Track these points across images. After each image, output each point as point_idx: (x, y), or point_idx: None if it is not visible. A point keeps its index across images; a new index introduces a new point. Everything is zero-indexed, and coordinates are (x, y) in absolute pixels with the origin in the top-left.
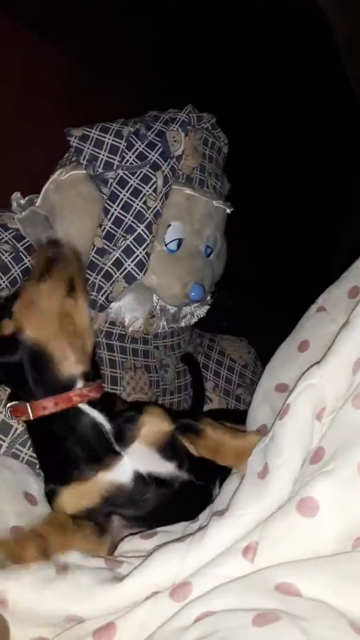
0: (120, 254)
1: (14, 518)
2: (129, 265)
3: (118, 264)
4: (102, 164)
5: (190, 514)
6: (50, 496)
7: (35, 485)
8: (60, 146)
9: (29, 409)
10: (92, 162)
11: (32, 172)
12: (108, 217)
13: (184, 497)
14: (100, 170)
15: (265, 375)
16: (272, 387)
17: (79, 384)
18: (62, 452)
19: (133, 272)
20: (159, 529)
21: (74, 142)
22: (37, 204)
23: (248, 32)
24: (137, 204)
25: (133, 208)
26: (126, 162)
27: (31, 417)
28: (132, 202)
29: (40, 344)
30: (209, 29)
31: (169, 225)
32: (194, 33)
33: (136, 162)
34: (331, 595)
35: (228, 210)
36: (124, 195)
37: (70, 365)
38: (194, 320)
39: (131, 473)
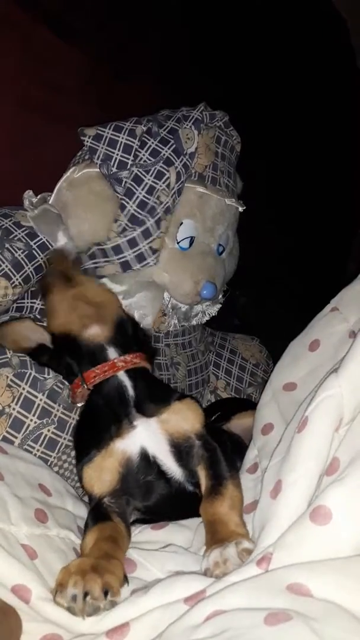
0: (123, 242)
1: (35, 502)
2: (128, 255)
3: (117, 250)
4: (116, 163)
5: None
6: (80, 475)
7: (49, 478)
8: (75, 143)
9: (83, 380)
10: (106, 161)
11: (46, 169)
12: (124, 213)
13: (181, 502)
14: (114, 169)
15: (275, 373)
16: (280, 385)
17: (111, 351)
18: (94, 424)
19: (130, 262)
20: (170, 522)
21: (87, 141)
22: (50, 202)
23: (263, 31)
24: (152, 201)
25: (148, 205)
26: (140, 160)
27: (86, 387)
28: (147, 200)
29: (64, 331)
30: (223, 27)
31: (181, 223)
32: (208, 31)
33: (150, 160)
34: (343, 597)
35: (240, 209)
36: (140, 193)
37: (93, 333)
38: (206, 318)
39: (139, 447)
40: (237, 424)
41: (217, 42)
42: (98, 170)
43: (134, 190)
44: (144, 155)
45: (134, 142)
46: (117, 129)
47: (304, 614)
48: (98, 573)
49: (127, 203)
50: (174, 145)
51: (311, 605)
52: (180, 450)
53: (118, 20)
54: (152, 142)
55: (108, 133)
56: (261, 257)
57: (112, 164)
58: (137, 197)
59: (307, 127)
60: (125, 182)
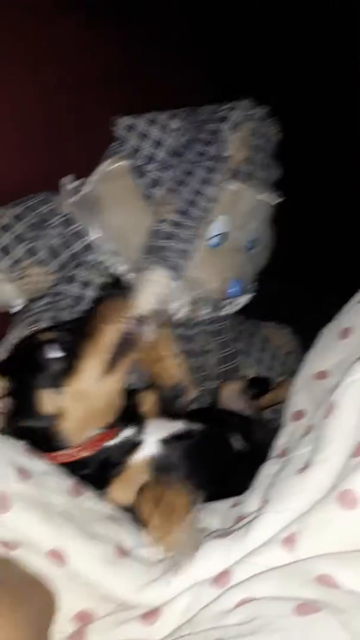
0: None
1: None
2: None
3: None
4: (143, 156)
5: (218, 467)
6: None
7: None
8: (106, 131)
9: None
10: (134, 153)
11: (79, 155)
12: (179, 199)
13: (204, 448)
14: (141, 162)
15: (306, 361)
16: (311, 373)
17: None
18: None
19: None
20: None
21: (119, 131)
22: (85, 192)
23: (294, 20)
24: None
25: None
26: (187, 160)
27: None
28: (202, 189)
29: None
30: (256, 15)
31: (212, 220)
32: (242, 17)
33: (197, 158)
34: None
35: (276, 201)
36: (191, 181)
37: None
38: (236, 308)
39: (155, 444)
40: (225, 398)
41: (252, 27)
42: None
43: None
44: (190, 154)
45: (165, 138)
46: (151, 121)
47: (332, 605)
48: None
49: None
50: (217, 147)
51: (339, 596)
52: (168, 412)
53: (144, 7)
54: (199, 148)
55: (141, 125)
56: (293, 246)
57: (140, 156)
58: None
59: (345, 115)
60: (150, 176)
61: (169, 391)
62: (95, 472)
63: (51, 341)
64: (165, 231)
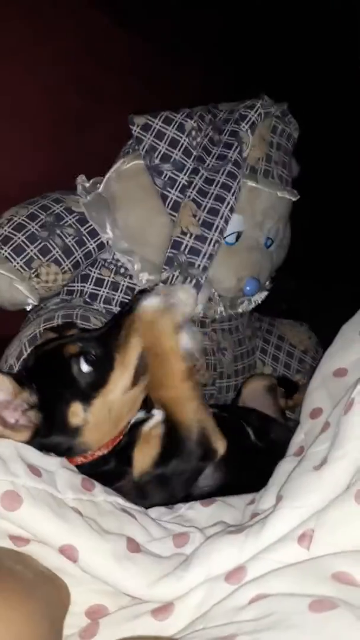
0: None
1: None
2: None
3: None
4: (159, 156)
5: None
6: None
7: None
8: (126, 125)
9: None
10: (150, 152)
11: (98, 150)
12: (202, 209)
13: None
14: (156, 161)
15: (325, 358)
16: (330, 371)
17: None
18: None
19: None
20: (217, 498)
21: (135, 130)
22: (99, 190)
23: (317, 17)
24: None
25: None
26: (208, 165)
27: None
28: (225, 195)
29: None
30: (277, 13)
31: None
32: (263, 15)
33: (218, 163)
34: None
35: (294, 199)
36: (214, 189)
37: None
38: (252, 306)
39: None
40: (247, 393)
41: (272, 25)
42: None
43: (207, 189)
44: (210, 160)
45: (181, 137)
46: (167, 121)
47: (349, 602)
48: None
49: (202, 200)
50: (238, 148)
51: (356, 594)
52: None
53: (174, 6)
54: (217, 150)
55: (157, 124)
56: (310, 243)
57: (155, 155)
58: (212, 192)
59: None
60: (167, 174)
61: None
62: (115, 464)
63: (79, 354)
64: (190, 246)
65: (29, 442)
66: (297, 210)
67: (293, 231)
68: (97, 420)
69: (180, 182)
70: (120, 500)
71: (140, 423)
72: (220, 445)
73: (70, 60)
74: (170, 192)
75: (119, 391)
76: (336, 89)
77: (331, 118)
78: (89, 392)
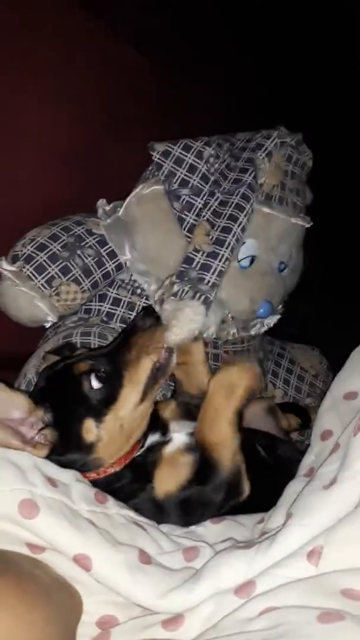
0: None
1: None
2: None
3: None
4: (178, 181)
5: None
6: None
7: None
8: (148, 154)
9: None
10: (169, 177)
11: (120, 175)
12: (215, 228)
13: None
14: (175, 186)
15: (336, 382)
16: (341, 394)
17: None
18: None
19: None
20: (227, 516)
21: (155, 157)
22: (119, 214)
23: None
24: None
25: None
26: (224, 189)
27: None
28: (237, 215)
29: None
30: (298, 47)
31: (244, 243)
32: (283, 49)
33: (233, 187)
34: None
35: (307, 225)
36: (228, 209)
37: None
38: (264, 329)
39: (184, 435)
40: (248, 417)
41: (292, 53)
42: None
43: (221, 211)
44: (226, 184)
45: (199, 164)
46: (186, 148)
47: (356, 616)
48: None
49: (216, 221)
50: (253, 173)
51: None
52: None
53: (193, 32)
54: (233, 175)
55: (176, 151)
56: (321, 268)
57: (174, 180)
58: (226, 213)
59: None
60: (185, 199)
61: (192, 398)
62: (130, 480)
63: (90, 371)
64: (201, 262)
65: (47, 459)
66: (310, 236)
67: (305, 257)
68: (110, 435)
69: (197, 207)
70: (132, 514)
71: (158, 445)
72: (246, 488)
73: (91, 87)
74: (187, 216)
75: (130, 407)
76: (347, 116)
77: (343, 147)
78: (100, 409)
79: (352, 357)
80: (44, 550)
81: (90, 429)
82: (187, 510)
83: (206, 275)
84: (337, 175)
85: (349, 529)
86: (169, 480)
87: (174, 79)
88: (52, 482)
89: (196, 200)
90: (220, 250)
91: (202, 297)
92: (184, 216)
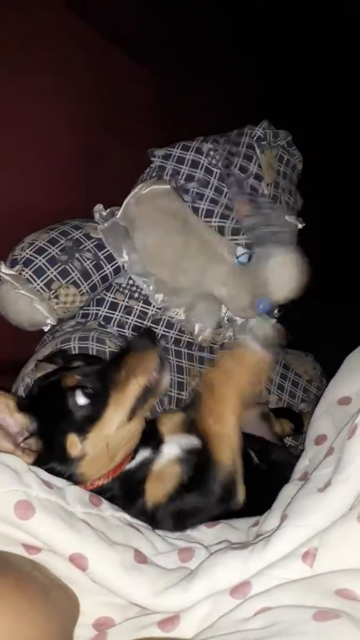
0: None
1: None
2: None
3: None
4: (184, 177)
5: None
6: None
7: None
8: (143, 158)
9: None
10: (174, 175)
11: (114, 183)
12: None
13: None
14: (182, 182)
15: (330, 387)
16: (335, 399)
17: None
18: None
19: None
20: (222, 520)
21: (157, 160)
22: (118, 216)
23: (335, 59)
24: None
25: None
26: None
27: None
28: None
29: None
30: (292, 52)
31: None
32: (277, 55)
33: (241, 175)
34: None
35: (299, 226)
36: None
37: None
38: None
39: (177, 448)
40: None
41: (286, 64)
42: (164, 187)
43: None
44: (235, 171)
45: (201, 158)
46: (185, 148)
47: (351, 615)
48: None
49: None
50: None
51: (359, 608)
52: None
53: (184, 41)
54: (238, 161)
55: (176, 152)
56: (316, 273)
57: (180, 177)
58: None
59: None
60: (194, 192)
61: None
62: (121, 491)
63: (78, 387)
64: None
65: (36, 466)
66: (303, 242)
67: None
68: (94, 452)
69: (207, 196)
70: (127, 516)
71: (149, 461)
72: (241, 494)
73: (89, 97)
74: (200, 203)
75: (114, 426)
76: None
77: (344, 147)
78: (83, 425)
79: (345, 362)
80: (39, 551)
81: (74, 444)
82: (180, 518)
83: None
84: (335, 177)
85: (343, 530)
86: (157, 491)
87: (174, 81)
88: (47, 484)
89: (205, 191)
90: None
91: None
92: (197, 205)
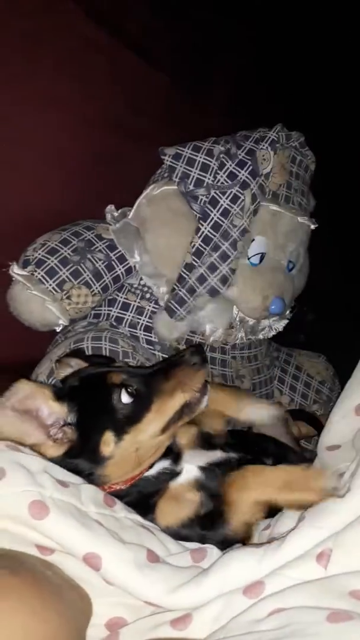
0: (204, 270)
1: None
2: (212, 280)
3: (202, 279)
4: (193, 181)
5: None
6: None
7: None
8: (154, 161)
9: None
10: (183, 179)
11: (126, 184)
12: (199, 235)
13: None
14: (191, 187)
15: (345, 393)
16: (351, 407)
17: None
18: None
19: (216, 287)
20: None
21: (167, 160)
22: (129, 217)
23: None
24: (225, 223)
25: (221, 227)
26: (217, 182)
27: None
28: (221, 222)
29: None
30: (300, 54)
31: (253, 240)
32: (285, 58)
33: (227, 182)
34: None
35: (312, 226)
36: (215, 215)
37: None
38: (272, 333)
39: (196, 469)
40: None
41: (294, 68)
42: (176, 187)
43: (210, 212)
44: (222, 176)
45: (211, 162)
46: (196, 148)
47: None
48: None
49: (202, 225)
50: (250, 167)
51: None
52: (204, 442)
53: (195, 44)
54: (230, 165)
55: (187, 152)
56: (329, 274)
57: (189, 181)
58: (212, 218)
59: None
60: (202, 199)
61: (213, 432)
62: (135, 500)
63: (122, 385)
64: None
65: (58, 460)
66: (315, 242)
67: (312, 264)
68: (123, 455)
69: (222, 205)
70: (140, 518)
71: (167, 473)
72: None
73: (101, 100)
74: (207, 211)
75: (150, 433)
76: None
77: (348, 149)
78: (122, 425)
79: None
80: (53, 552)
81: (108, 442)
82: (184, 539)
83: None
84: (344, 179)
85: (357, 533)
86: (170, 514)
87: (185, 83)
88: (62, 483)
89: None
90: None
91: None
92: (205, 212)
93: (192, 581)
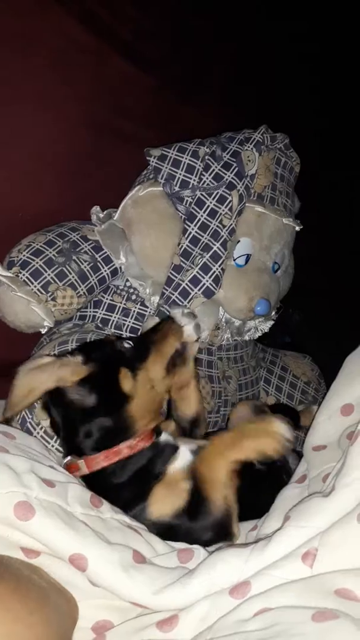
0: (197, 271)
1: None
2: (206, 281)
3: (195, 280)
4: (178, 183)
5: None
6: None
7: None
8: (140, 164)
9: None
10: (169, 180)
11: (112, 187)
12: (186, 236)
13: None
14: (176, 188)
15: (331, 394)
16: (337, 407)
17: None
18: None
19: (211, 287)
20: None
21: (152, 161)
22: (115, 218)
23: (330, 63)
24: (214, 224)
25: (210, 228)
26: (203, 183)
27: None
28: (209, 223)
29: (134, 415)
30: (290, 54)
31: (238, 241)
32: (275, 58)
33: (213, 183)
34: None
35: (297, 228)
36: (202, 215)
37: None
38: (258, 334)
39: (189, 452)
40: (237, 417)
41: (283, 69)
42: (162, 189)
43: (196, 213)
44: (207, 178)
45: (196, 163)
46: (181, 150)
47: (350, 615)
48: None
49: (189, 225)
50: (236, 169)
51: (358, 608)
52: None
53: (184, 48)
54: (216, 167)
55: (172, 154)
56: (314, 275)
57: (175, 183)
58: (199, 219)
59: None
60: (187, 201)
61: (183, 420)
62: (129, 480)
63: (119, 339)
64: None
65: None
66: (300, 244)
67: (297, 265)
68: (141, 394)
69: (209, 206)
70: (127, 519)
71: (168, 450)
72: (236, 532)
73: (87, 101)
74: (194, 213)
75: (157, 371)
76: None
77: (345, 148)
78: (133, 362)
79: (345, 365)
80: (38, 554)
81: (126, 377)
82: (173, 536)
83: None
84: (335, 179)
85: (343, 530)
86: (165, 503)
87: (173, 86)
88: (49, 482)
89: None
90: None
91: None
92: (191, 214)
93: (178, 582)
